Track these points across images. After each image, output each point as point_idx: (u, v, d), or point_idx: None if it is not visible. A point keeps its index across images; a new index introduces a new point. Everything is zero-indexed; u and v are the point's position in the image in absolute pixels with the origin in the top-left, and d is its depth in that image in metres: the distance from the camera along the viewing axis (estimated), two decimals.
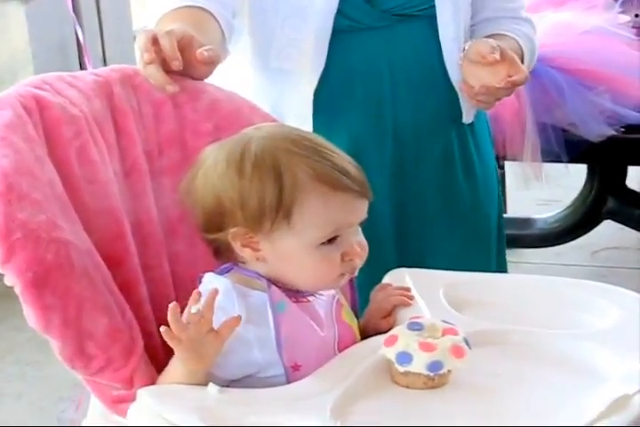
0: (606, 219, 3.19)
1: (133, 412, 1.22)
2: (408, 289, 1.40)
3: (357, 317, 1.37)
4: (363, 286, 1.41)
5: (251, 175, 1.23)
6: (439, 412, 1.17)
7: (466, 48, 1.69)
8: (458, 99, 1.76)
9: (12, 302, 1.25)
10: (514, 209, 3.47)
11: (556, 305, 1.40)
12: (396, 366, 1.20)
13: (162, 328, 1.17)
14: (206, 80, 1.49)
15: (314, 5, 1.67)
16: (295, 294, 1.28)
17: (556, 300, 1.41)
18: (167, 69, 1.42)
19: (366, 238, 1.28)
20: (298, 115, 1.72)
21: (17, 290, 1.20)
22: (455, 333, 1.22)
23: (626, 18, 2.90)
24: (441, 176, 1.79)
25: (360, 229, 1.29)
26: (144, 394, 1.20)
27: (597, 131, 2.70)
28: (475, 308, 1.39)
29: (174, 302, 1.18)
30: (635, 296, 1.41)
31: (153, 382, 1.24)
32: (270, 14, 1.70)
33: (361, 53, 1.72)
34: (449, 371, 1.20)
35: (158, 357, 1.29)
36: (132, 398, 1.22)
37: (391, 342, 1.21)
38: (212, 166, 1.26)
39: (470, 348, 1.21)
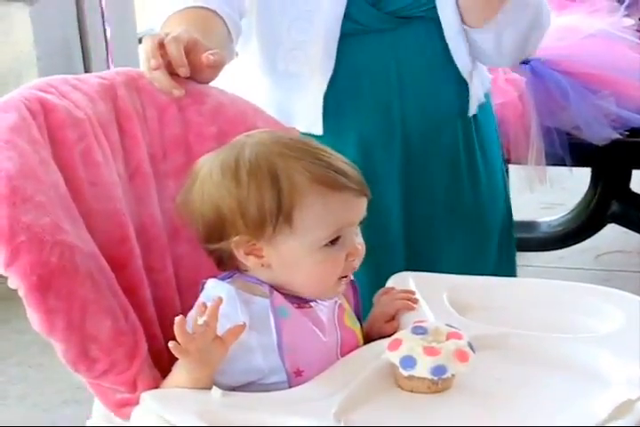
0: (610, 222, 3.18)
1: (137, 415, 1.22)
2: (412, 293, 1.40)
3: (361, 320, 1.36)
4: (371, 289, 1.40)
5: (247, 183, 1.22)
6: (443, 416, 1.17)
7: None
8: (467, 89, 1.76)
9: (16, 305, 1.24)
10: (517, 212, 3.43)
11: (559, 309, 1.40)
12: (400, 370, 1.20)
13: (170, 344, 1.17)
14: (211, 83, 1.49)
15: (320, 9, 1.67)
16: (297, 299, 1.27)
17: (559, 304, 1.41)
18: (172, 72, 1.42)
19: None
20: (307, 117, 1.72)
21: (21, 293, 1.20)
22: (459, 337, 1.22)
23: (630, 21, 2.89)
24: (447, 174, 1.79)
25: (360, 229, 1.28)
26: (147, 397, 1.20)
27: (602, 134, 2.70)
28: (478, 312, 1.39)
29: (180, 316, 1.18)
30: (638, 300, 1.40)
31: (156, 386, 1.24)
32: (277, 16, 1.70)
33: (368, 56, 1.72)
34: (453, 375, 1.20)
35: (162, 360, 1.28)
36: (136, 402, 1.22)
37: (395, 346, 1.21)
38: (207, 177, 1.25)
39: (474, 352, 1.21)
